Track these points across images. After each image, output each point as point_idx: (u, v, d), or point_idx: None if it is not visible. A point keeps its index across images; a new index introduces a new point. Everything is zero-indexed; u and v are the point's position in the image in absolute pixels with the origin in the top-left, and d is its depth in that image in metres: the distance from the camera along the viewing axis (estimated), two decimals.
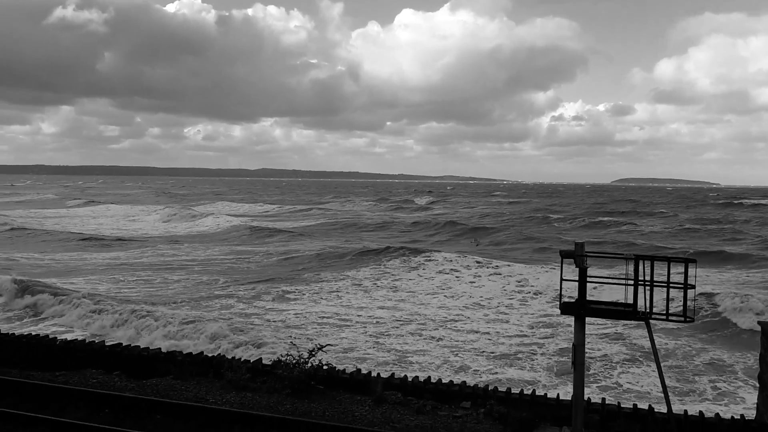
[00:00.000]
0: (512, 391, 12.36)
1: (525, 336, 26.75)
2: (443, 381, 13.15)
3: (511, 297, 34.88)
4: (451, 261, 44.15)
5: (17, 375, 13.56)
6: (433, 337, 26.17)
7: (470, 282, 38.58)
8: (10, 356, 15.10)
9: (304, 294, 34.66)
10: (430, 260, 44.67)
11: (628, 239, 69.60)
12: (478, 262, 43.37)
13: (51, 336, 16.62)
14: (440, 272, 41.43)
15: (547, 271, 39.65)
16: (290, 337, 24.09)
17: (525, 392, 12.35)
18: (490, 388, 12.57)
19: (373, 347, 24.43)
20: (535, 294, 35.27)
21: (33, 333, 17.11)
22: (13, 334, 16.44)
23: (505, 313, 31.24)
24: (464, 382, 13.56)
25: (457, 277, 40.18)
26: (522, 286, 37.14)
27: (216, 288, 36.33)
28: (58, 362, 14.86)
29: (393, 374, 13.82)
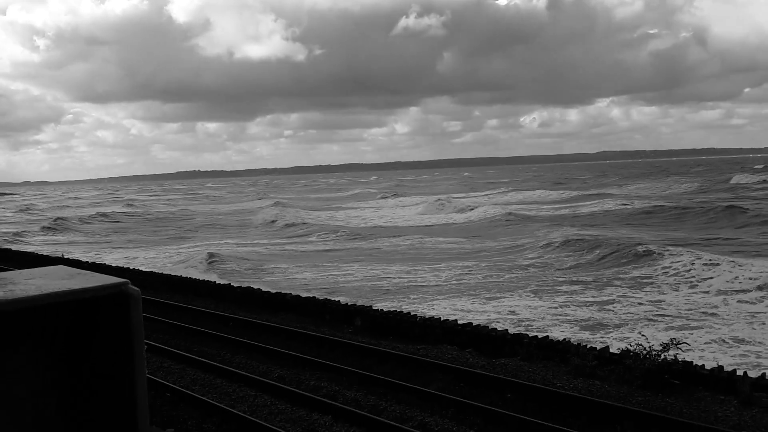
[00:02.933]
0: None
1: None
2: None
3: None
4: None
5: (387, 346, 15.48)
6: None
7: None
8: (384, 330, 17.27)
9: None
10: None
11: None
12: None
13: (412, 313, 18.50)
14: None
15: None
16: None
17: None
18: None
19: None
20: None
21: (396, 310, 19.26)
22: (381, 310, 18.73)
23: None
24: None
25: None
26: None
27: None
28: (418, 337, 16.53)
29: (764, 374, 12.19)
